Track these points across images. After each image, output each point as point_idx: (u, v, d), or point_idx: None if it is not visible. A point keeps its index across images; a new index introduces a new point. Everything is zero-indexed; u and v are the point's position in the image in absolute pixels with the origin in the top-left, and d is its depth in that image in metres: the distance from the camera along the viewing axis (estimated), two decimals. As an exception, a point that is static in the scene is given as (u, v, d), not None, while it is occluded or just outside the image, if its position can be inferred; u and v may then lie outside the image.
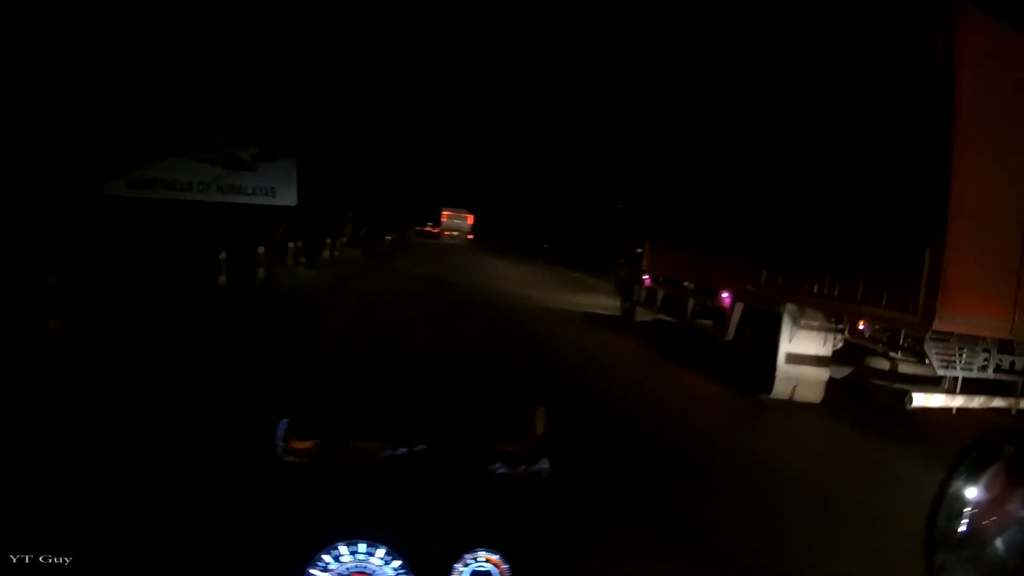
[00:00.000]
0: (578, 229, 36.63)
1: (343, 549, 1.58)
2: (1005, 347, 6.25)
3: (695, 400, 7.63)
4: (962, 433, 6.49)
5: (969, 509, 1.24)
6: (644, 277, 12.19)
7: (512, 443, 1.87)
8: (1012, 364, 6.40)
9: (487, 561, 1.60)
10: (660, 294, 11.53)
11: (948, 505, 1.24)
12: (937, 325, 5.53)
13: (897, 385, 6.53)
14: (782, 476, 5.12)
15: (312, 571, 1.57)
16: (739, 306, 8.38)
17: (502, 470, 1.78)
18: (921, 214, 5.76)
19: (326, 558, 1.57)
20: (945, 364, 5.82)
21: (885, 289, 6.05)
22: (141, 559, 1.74)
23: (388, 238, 37.25)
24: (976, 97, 5.74)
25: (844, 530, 4.11)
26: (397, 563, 1.58)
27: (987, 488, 1.24)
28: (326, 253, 20.94)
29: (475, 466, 1.78)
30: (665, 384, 8.37)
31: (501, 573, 1.60)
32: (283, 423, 1.80)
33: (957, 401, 6.12)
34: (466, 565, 1.59)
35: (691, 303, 10.19)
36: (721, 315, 8.91)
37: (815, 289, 6.88)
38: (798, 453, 5.88)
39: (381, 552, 1.58)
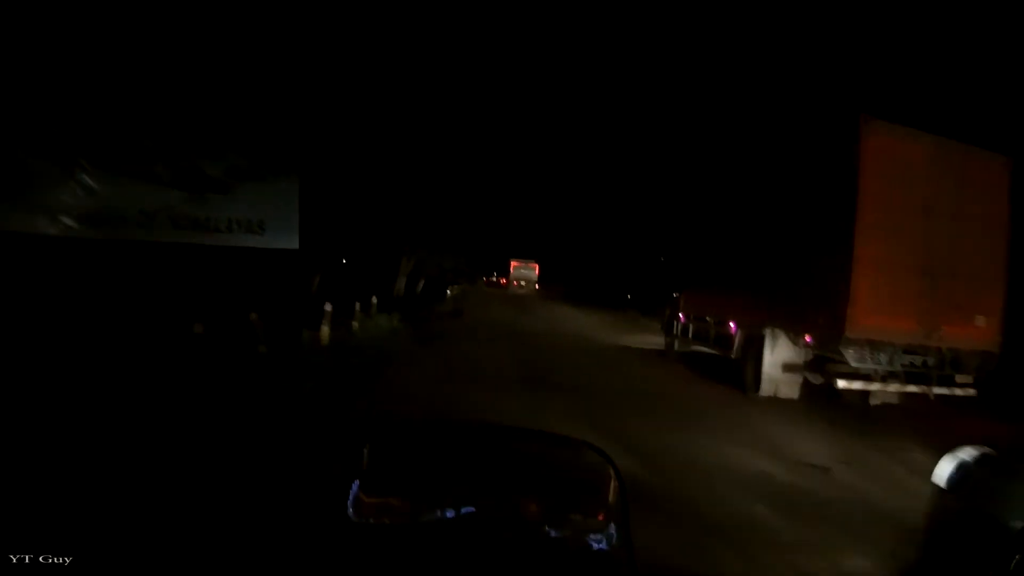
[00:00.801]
0: (631, 277, 39.69)
1: None
2: (918, 350, 9.10)
3: (707, 397, 10.66)
4: (882, 415, 9.40)
5: None
6: (680, 315, 15.27)
7: (582, 511, 1.86)
8: (924, 362, 9.23)
9: None
10: (691, 328, 14.58)
11: None
12: (848, 334, 8.52)
13: (840, 382, 9.41)
14: (738, 421, 8.17)
15: None
16: (740, 332, 11.41)
17: (559, 534, 1.78)
18: (839, 264, 8.79)
19: None
20: (859, 360, 8.75)
21: (819, 314, 9.08)
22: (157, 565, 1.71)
23: (450, 292, 33.24)
24: (876, 184, 8.78)
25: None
26: None
27: None
28: (355, 323, 14.60)
29: (529, 529, 1.78)
30: (689, 389, 11.43)
31: None
32: (356, 483, 1.81)
33: (874, 386, 8.99)
34: None
35: (712, 333, 13.22)
36: (730, 340, 11.92)
37: (780, 317, 9.93)
38: (758, 416, 8.85)
39: None
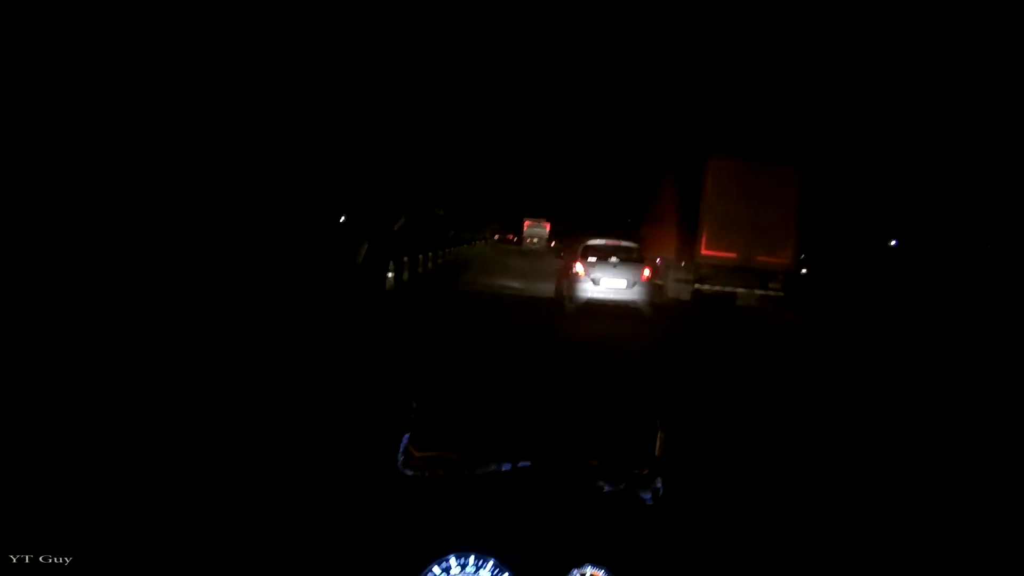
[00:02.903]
0: (616, 234, 48.57)
1: (453, 562, 1.62)
2: (743, 269, 17.44)
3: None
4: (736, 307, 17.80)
5: None
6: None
7: (630, 462, 1.89)
8: (748, 278, 17.59)
9: None
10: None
11: None
12: (697, 259, 16.97)
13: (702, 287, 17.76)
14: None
15: None
16: (661, 261, 19.82)
17: (613, 488, 1.80)
18: (696, 224, 17.15)
19: (436, 570, 1.62)
20: (702, 276, 17.20)
21: (687, 248, 17.54)
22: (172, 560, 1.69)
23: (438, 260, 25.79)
24: (717, 186, 17.10)
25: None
26: None
27: None
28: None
29: (584, 483, 1.81)
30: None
31: None
32: (406, 437, 1.86)
33: (715, 288, 17.40)
34: None
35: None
36: (656, 267, 20.35)
37: (675, 253, 18.40)
38: (662, 304, 17.25)
39: (489, 565, 1.62)
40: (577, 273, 15.16)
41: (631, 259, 15.86)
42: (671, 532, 1.79)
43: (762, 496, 4.26)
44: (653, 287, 16.06)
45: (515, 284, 21.67)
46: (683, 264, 18.31)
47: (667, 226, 19.88)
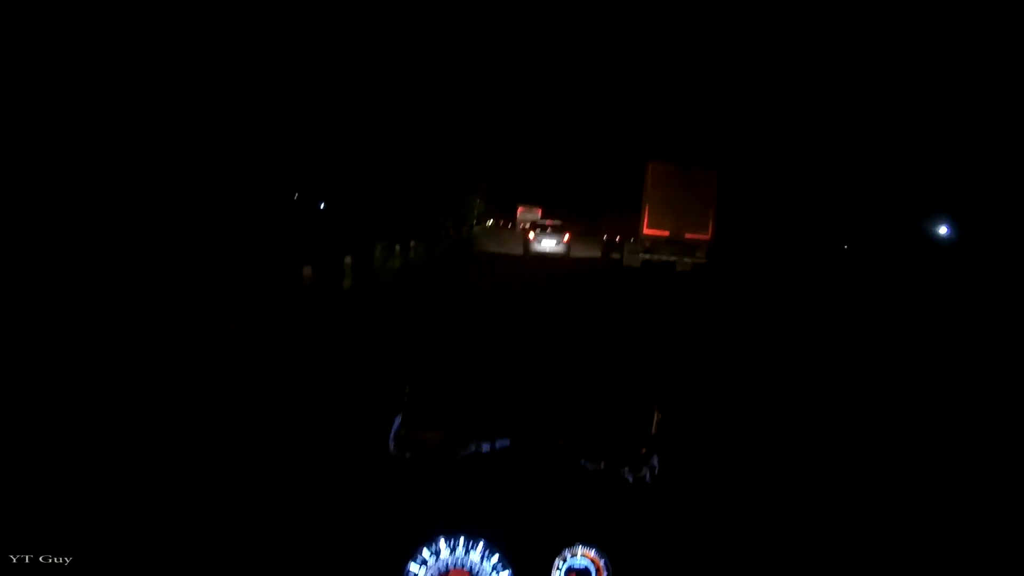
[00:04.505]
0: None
1: (443, 544, 1.60)
2: (675, 242, 24.16)
3: (605, 265, 25.94)
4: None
5: None
6: (605, 236, 30.45)
7: (625, 442, 1.87)
8: (679, 249, 24.34)
9: (585, 557, 1.62)
10: (607, 240, 29.78)
11: None
12: (641, 236, 23.79)
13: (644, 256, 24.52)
14: (611, 270, 23.40)
15: (411, 565, 1.58)
16: (620, 238, 26.52)
17: (594, 467, 1.79)
18: (641, 212, 23.95)
19: (425, 553, 1.60)
20: (645, 248, 24.01)
21: (637, 230, 24.36)
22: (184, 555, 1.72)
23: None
24: (654, 183, 23.91)
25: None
26: (496, 558, 1.60)
27: None
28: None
29: (563, 462, 1.80)
30: (601, 262, 26.72)
31: (598, 569, 1.62)
32: (398, 419, 1.83)
33: (658, 258, 24.18)
34: (564, 560, 1.62)
35: (612, 241, 28.37)
36: (615, 243, 27.10)
37: (630, 233, 25.18)
38: (621, 269, 23.93)
39: (480, 547, 1.60)
40: (530, 238, 24.25)
41: (558, 229, 26.27)
42: (662, 510, 1.77)
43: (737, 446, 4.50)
44: (569, 245, 28.83)
45: (502, 249, 29.74)
46: (632, 240, 25.04)
47: (623, 214, 26.64)
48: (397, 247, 16.52)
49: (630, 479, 1.77)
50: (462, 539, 1.59)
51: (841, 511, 3.66)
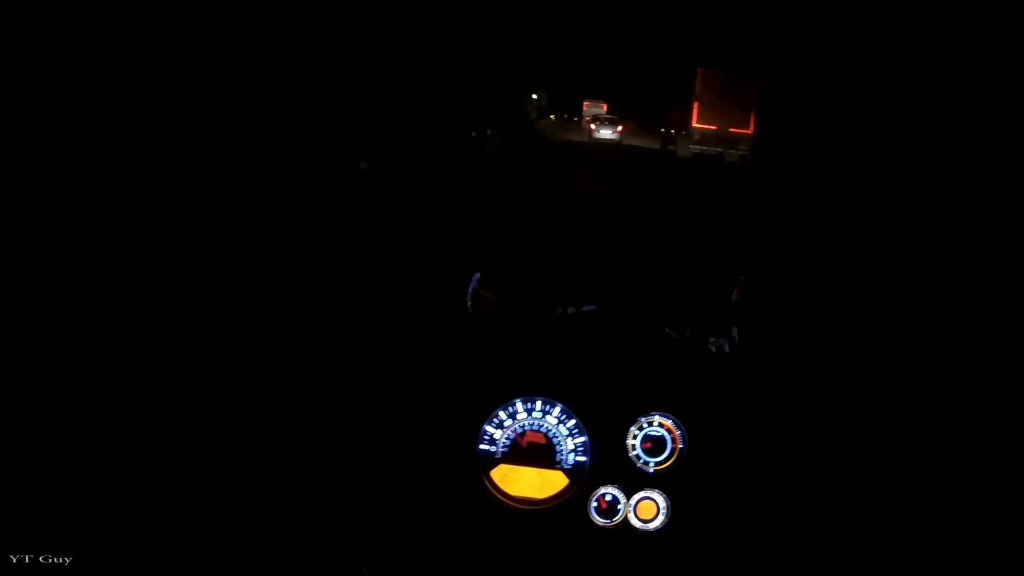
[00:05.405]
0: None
1: (519, 406, 1.58)
2: (721, 137, 28.61)
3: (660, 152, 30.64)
4: None
5: None
6: (662, 130, 34.98)
7: (710, 311, 1.80)
8: (725, 142, 28.75)
9: (660, 426, 1.58)
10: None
11: None
12: (690, 129, 28.36)
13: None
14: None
15: (487, 426, 1.57)
16: (676, 132, 30.97)
17: (680, 336, 1.73)
18: (691, 108, 28.27)
19: (502, 414, 1.58)
20: (694, 140, 28.59)
21: (687, 123, 28.91)
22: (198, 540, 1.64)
23: None
24: (704, 84, 27.09)
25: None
26: (572, 422, 1.57)
27: None
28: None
29: (650, 330, 1.74)
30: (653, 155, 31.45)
31: (674, 439, 1.58)
32: (476, 276, 1.76)
33: (708, 149, 28.74)
34: (640, 428, 1.57)
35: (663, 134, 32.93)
36: (670, 136, 31.67)
37: (681, 125, 29.80)
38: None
39: (556, 410, 1.58)
40: (592, 128, 30.82)
41: (614, 122, 31.08)
42: (743, 383, 1.65)
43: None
44: (622, 134, 30.40)
45: (569, 136, 33.75)
46: (683, 133, 29.36)
47: (679, 109, 30.78)
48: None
49: (713, 349, 1.72)
50: (539, 402, 1.57)
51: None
